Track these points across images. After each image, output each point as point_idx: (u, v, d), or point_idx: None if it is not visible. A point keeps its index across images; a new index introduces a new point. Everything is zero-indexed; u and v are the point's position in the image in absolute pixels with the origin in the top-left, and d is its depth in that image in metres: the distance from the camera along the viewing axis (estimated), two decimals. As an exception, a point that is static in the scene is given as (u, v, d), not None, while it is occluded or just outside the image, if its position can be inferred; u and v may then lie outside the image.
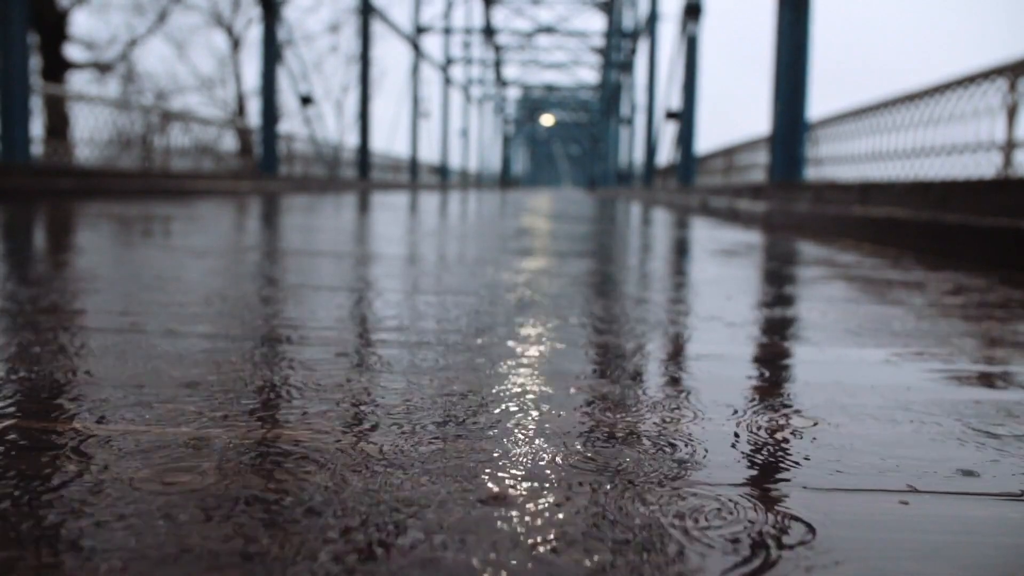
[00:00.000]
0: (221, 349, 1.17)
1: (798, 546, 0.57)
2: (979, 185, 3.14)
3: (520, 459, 0.73)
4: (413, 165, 23.18)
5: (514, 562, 0.53)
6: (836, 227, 4.45)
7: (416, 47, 23.36)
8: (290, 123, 21.68)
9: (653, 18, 16.45)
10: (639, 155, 18.83)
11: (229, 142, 12.01)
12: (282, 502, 0.62)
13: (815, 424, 0.88)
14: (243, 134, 12.65)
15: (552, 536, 0.57)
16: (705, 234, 4.71)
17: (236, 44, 24.48)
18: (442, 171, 27.73)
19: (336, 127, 28.95)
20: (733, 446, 0.79)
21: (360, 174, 16.99)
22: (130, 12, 21.43)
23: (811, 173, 6.22)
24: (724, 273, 2.54)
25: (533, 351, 1.22)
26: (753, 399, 0.98)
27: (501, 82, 43.21)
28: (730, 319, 1.58)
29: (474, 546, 0.55)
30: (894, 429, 0.87)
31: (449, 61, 28.53)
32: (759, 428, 0.86)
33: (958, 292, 2.11)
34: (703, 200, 8.89)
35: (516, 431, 0.82)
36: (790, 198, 5.48)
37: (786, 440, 0.82)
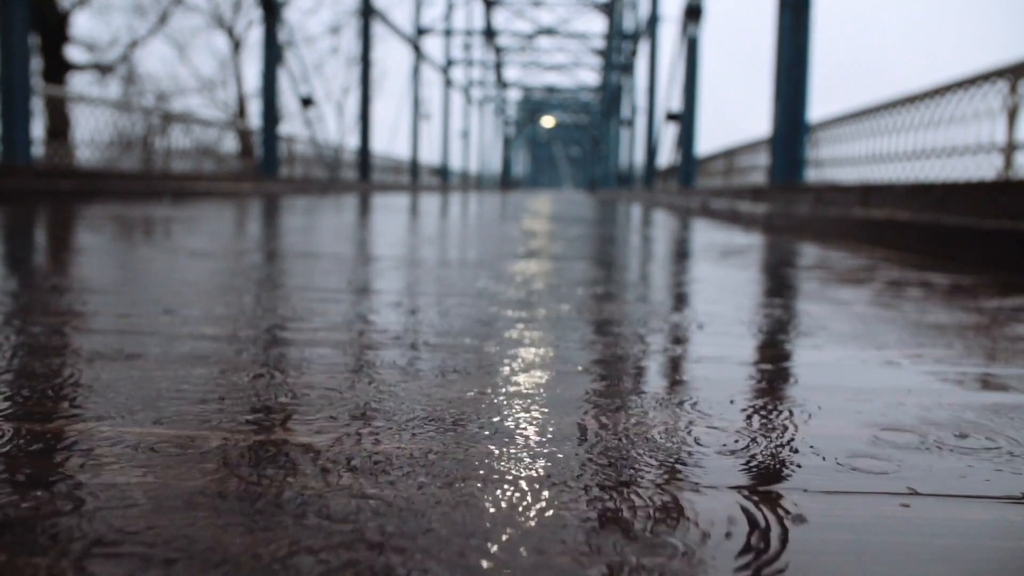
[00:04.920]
0: (226, 350, 1.17)
1: (797, 550, 0.57)
2: (980, 187, 3.14)
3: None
4: (414, 167, 23.18)
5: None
6: (837, 229, 4.45)
7: (417, 49, 23.37)
8: (291, 125, 21.73)
9: (654, 20, 16.45)
10: (640, 157, 18.82)
11: (230, 144, 12.02)
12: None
13: (815, 426, 0.88)
14: (244, 136, 12.66)
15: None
16: (706, 236, 4.71)
17: (237, 46, 24.50)
18: (443, 173, 27.74)
19: (337, 129, 28.97)
20: (732, 447, 0.79)
21: (361, 176, 17.00)
22: (131, 14, 21.44)
23: (812, 175, 6.22)
24: (725, 275, 2.53)
25: (532, 353, 1.22)
26: (753, 401, 0.98)
27: (502, 84, 43.21)
28: (730, 321, 1.58)
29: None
30: (895, 431, 0.87)
31: (450, 63, 28.54)
32: (759, 430, 0.85)
33: (956, 294, 2.11)
34: (704, 202, 8.89)
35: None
36: (791, 200, 5.48)
37: (786, 442, 0.82)
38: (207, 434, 0.78)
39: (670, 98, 12.50)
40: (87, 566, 0.51)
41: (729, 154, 9.72)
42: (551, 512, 0.62)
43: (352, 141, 27.58)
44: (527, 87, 46.12)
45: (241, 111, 24.58)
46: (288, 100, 14.32)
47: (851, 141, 5.60)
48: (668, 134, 12.90)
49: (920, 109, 4.48)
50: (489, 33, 31.34)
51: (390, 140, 38.97)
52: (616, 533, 0.59)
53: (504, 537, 0.57)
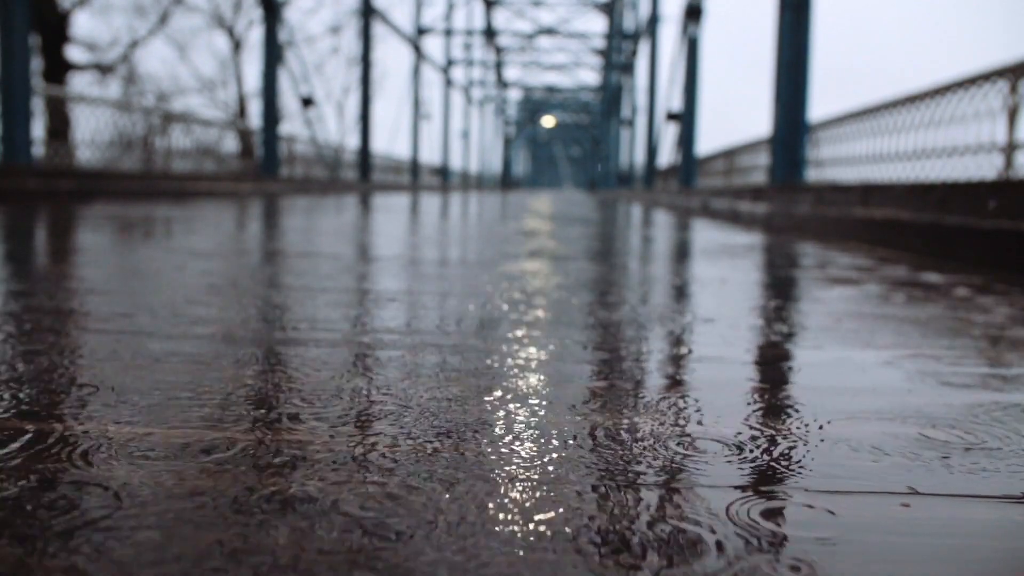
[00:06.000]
0: (229, 350, 1.17)
1: (797, 550, 0.57)
2: (980, 187, 3.14)
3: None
4: (414, 167, 23.18)
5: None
6: (837, 229, 4.45)
7: (417, 49, 23.37)
8: (291, 125, 21.73)
9: (654, 20, 16.44)
10: (640, 157, 18.81)
11: (230, 144, 12.01)
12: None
13: (815, 426, 0.88)
14: (244, 136, 12.66)
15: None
16: (706, 236, 4.71)
17: (237, 46, 24.50)
18: (443, 173, 27.73)
19: (337, 129, 28.97)
20: (732, 447, 0.79)
21: (361, 176, 17.00)
22: (132, 14, 21.44)
23: (812, 175, 6.22)
24: (725, 275, 2.53)
25: (533, 352, 1.22)
26: (753, 400, 0.98)
27: (502, 84, 43.20)
28: (730, 321, 1.58)
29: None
30: (895, 431, 0.87)
31: (450, 63, 28.53)
32: (759, 430, 0.86)
33: (956, 294, 2.11)
34: (704, 202, 8.89)
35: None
36: (791, 200, 5.48)
37: (786, 442, 0.82)
38: (217, 434, 0.79)
39: (670, 98, 12.50)
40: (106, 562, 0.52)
41: (729, 154, 9.72)
42: (553, 511, 0.62)
43: (352, 141, 27.61)
44: (527, 87, 46.10)
45: (241, 111, 24.58)
46: (288, 100, 14.34)
47: (852, 141, 5.59)
48: (668, 134, 12.91)
49: (921, 109, 4.48)
50: (489, 33, 31.33)
51: (390, 140, 39.03)
52: (616, 533, 0.59)
53: (508, 530, 0.58)
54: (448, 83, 28.25)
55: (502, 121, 49.46)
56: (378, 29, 20.09)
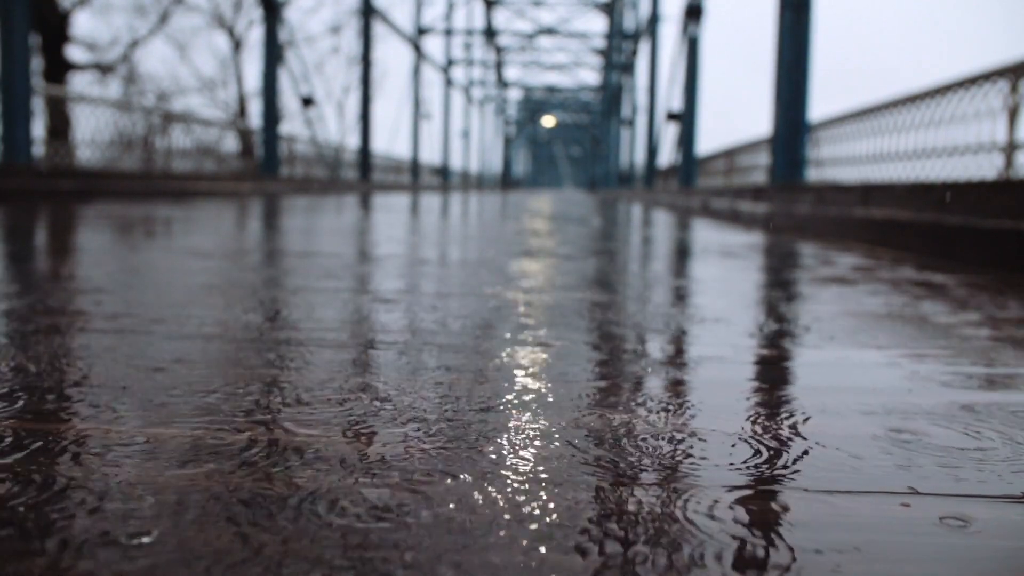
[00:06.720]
0: (231, 349, 1.17)
1: (797, 550, 0.57)
2: (980, 186, 3.14)
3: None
4: (414, 166, 23.18)
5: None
6: (837, 229, 4.45)
7: (417, 48, 23.37)
8: (291, 124, 21.74)
9: (654, 19, 16.44)
10: (640, 156, 18.81)
11: (230, 143, 12.02)
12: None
13: (815, 425, 0.88)
14: (244, 135, 12.66)
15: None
16: (706, 236, 4.71)
17: (238, 45, 24.51)
18: (443, 172, 27.73)
19: (337, 128, 28.99)
20: (732, 446, 0.79)
21: (361, 175, 17.00)
22: (132, 13, 21.44)
23: (812, 175, 6.22)
24: (725, 275, 2.54)
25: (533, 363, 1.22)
26: (752, 400, 0.98)
27: (502, 83, 43.19)
28: (730, 320, 1.58)
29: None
30: (895, 430, 0.87)
31: (450, 62, 28.53)
32: (759, 429, 0.86)
33: (956, 294, 2.11)
34: (704, 202, 8.89)
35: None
36: (791, 200, 5.48)
37: (786, 442, 0.82)
38: (217, 434, 0.79)
39: (671, 98, 12.50)
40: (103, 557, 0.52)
41: (730, 154, 9.72)
42: (555, 510, 0.62)
43: (353, 141, 27.59)
44: (527, 87, 46.10)
45: (242, 111, 24.59)
46: (289, 100, 14.35)
47: (852, 141, 5.60)
48: (669, 134, 12.90)
49: (921, 109, 4.48)
50: (489, 33, 31.32)
51: (390, 140, 39.09)
52: (615, 534, 0.59)
53: (503, 532, 0.58)
54: (448, 83, 28.24)
55: (502, 121, 49.44)
56: (378, 29, 20.11)
